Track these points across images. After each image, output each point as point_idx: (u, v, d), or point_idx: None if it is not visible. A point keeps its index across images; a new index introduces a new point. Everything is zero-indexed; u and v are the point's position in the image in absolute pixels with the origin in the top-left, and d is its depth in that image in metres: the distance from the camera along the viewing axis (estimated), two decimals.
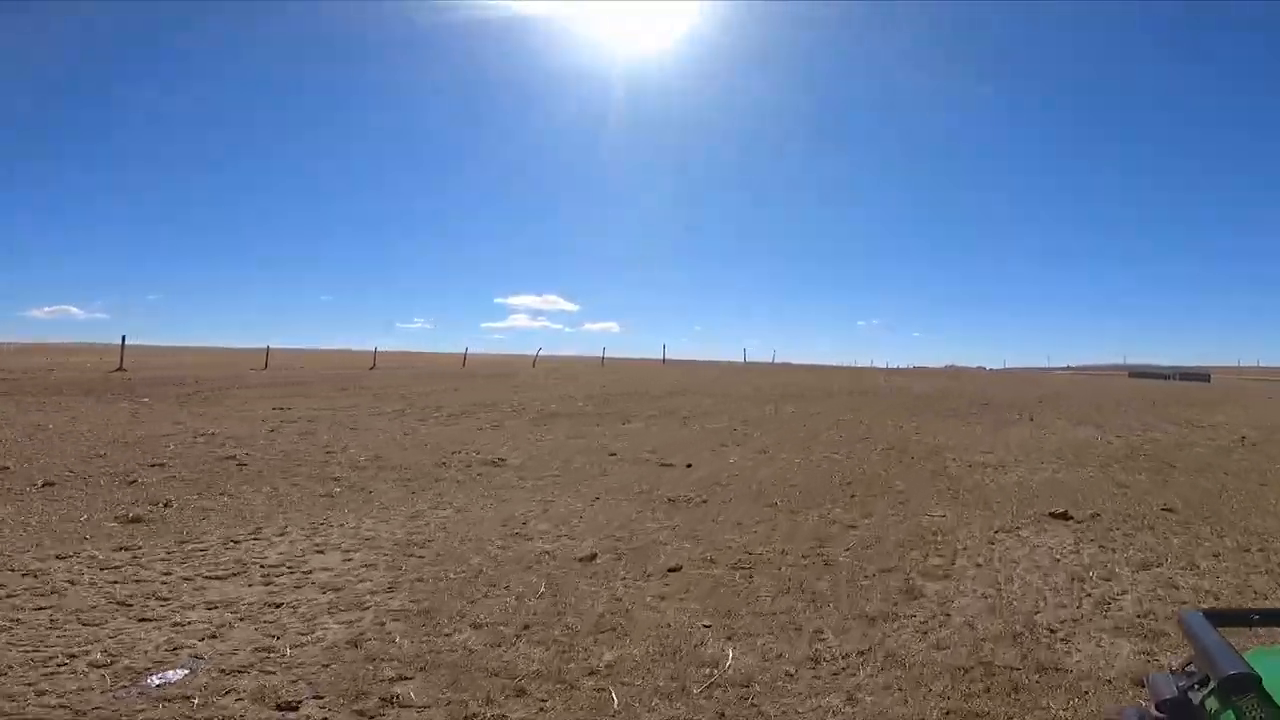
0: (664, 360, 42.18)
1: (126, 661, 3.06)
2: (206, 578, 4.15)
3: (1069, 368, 54.28)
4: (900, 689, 2.97)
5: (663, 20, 61.55)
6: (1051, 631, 3.61)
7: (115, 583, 4.03)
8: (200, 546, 4.76)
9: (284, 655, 3.17)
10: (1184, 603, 4.07)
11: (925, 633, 3.59)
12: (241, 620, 3.54)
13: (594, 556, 4.77)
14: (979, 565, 4.72)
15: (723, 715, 2.75)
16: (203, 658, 3.11)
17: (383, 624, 3.55)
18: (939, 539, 5.34)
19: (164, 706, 2.69)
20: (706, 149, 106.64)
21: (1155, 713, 1.06)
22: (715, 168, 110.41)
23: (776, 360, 48.65)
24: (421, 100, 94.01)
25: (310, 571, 4.34)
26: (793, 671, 3.13)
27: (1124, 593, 4.21)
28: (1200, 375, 35.86)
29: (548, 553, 4.86)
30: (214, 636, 3.34)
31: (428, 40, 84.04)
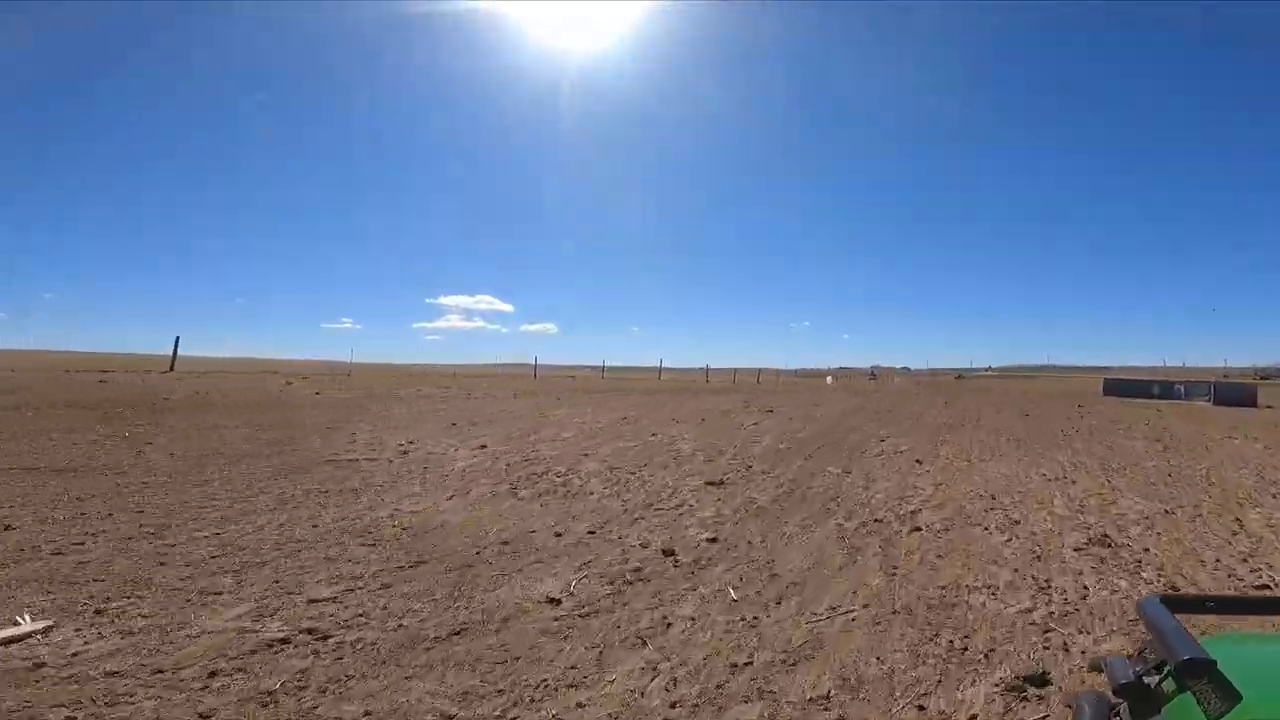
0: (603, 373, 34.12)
1: None
2: None
3: (989, 368, 51.19)
4: None
5: (605, 23, 61.04)
6: None
7: None
8: None
9: None
10: None
11: None
12: None
13: None
14: None
15: None
16: None
17: None
18: None
19: None
20: (647, 151, 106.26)
21: (1114, 697, 1.07)
22: (655, 169, 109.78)
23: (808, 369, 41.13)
24: (352, 95, 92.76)
25: None
26: None
27: None
28: (1239, 393, 18.92)
29: None
30: None
31: (362, 34, 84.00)
